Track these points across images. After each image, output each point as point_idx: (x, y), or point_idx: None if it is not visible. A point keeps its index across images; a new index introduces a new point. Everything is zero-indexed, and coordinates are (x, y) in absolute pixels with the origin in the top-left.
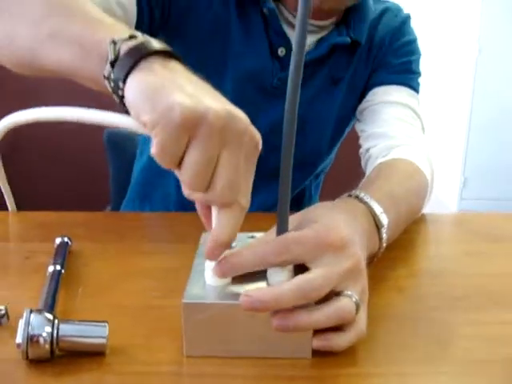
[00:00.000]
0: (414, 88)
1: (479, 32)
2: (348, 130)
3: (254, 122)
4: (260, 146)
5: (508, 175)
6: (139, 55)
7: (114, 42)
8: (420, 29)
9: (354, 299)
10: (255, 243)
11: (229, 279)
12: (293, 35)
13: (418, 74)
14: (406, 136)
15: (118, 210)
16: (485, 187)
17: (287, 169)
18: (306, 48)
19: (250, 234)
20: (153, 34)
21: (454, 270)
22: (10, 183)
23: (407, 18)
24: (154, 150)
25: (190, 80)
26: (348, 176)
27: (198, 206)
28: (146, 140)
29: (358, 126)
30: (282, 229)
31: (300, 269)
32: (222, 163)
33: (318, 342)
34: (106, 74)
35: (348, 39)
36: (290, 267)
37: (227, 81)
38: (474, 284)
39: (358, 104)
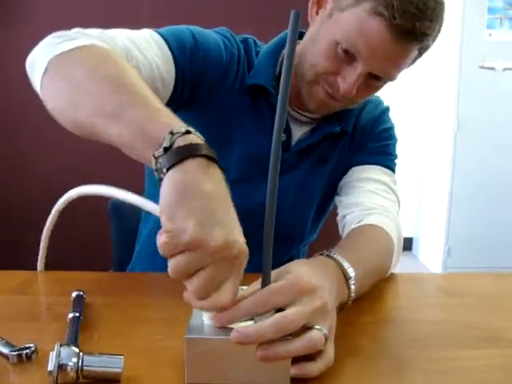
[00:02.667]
0: (390, 167)
1: (457, 110)
2: (331, 207)
3: (251, 196)
4: (246, 258)
5: (489, 244)
6: (188, 153)
7: (172, 133)
8: (403, 110)
9: (322, 332)
10: (244, 294)
11: None
12: (291, 125)
13: (395, 156)
14: (378, 205)
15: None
16: (468, 256)
17: (269, 235)
18: (302, 135)
19: (240, 287)
20: (178, 108)
21: (414, 318)
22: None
23: (386, 109)
24: (170, 270)
25: (216, 193)
26: (332, 243)
27: None
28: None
29: (337, 198)
30: (265, 283)
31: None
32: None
33: (295, 370)
34: (156, 155)
35: (338, 129)
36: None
37: (233, 158)
38: (429, 328)
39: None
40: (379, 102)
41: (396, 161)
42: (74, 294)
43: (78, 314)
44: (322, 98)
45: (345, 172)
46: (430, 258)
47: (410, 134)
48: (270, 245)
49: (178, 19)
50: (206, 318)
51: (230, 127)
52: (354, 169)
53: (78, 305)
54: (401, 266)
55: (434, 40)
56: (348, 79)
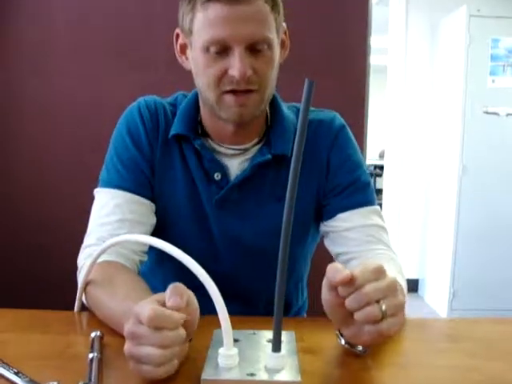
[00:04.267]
0: (369, 202)
1: (462, 154)
2: (311, 244)
3: (210, 231)
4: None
5: (495, 286)
6: None
7: None
8: (410, 153)
9: (382, 308)
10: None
11: (236, 362)
12: (224, 162)
13: (369, 184)
14: (378, 249)
15: None
16: (474, 298)
17: (282, 281)
18: (235, 171)
19: (252, 331)
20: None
21: (418, 363)
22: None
23: (341, 128)
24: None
25: None
26: None
27: None
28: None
29: (330, 246)
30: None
31: None
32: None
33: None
34: None
35: (269, 156)
36: (285, 353)
37: (181, 201)
38: (434, 373)
39: (316, 220)
40: (331, 120)
41: (371, 185)
42: (93, 335)
43: (97, 354)
44: (236, 100)
45: (317, 209)
46: (435, 300)
47: (417, 177)
48: (283, 282)
49: None
50: (221, 361)
51: (172, 185)
52: (337, 217)
53: (97, 345)
54: (407, 307)
55: None
56: (235, 64)
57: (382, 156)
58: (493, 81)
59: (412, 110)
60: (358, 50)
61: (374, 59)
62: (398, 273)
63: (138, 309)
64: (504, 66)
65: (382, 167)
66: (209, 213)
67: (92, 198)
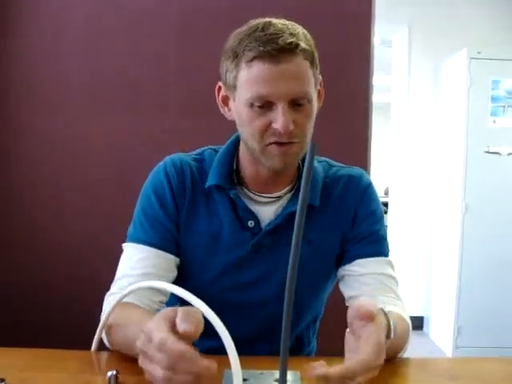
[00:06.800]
0: (385, 254)
1: (464, 192)
2: (329, 287)
3: (241, 276)
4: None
5: (500, 323)
6: None
7: None
8: (414, 192)
9: None
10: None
11: None
12: (257, 209)
13: (385, 238)
14: (389, 297)
15: None
16: (479, 335)
17: (288, 323)
18: (270, 217)
19: (259, 371)
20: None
21: None
22: None
23: (368, 185)
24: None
25: None
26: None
27: None
28: None
29: (344, 289)
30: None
31: None
32: None
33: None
34: None
35: None
36: None
37: (220, 252)
38: None
39: (336, 266)
40: (360, 177)
41: (387, 239)
42: (109, 374)
43: None
44: (278, 151)
45: (339, 257)
46: (440, 337)
47: (421, 214)
48: (288, 330)
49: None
50: None
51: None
52: (354, 262)
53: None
54: (411, 344)
55: (308, 42)
56: (279, 119)
57: (386, 193)
58: (494, 121)
59: (415, 148)
60: (360, 89)
61: (378, 97)
62: (399, 319)
63: (150, 329)
64: (504, 106)
65: (386, 204)
66: (241, 258)
67: (113, 250)
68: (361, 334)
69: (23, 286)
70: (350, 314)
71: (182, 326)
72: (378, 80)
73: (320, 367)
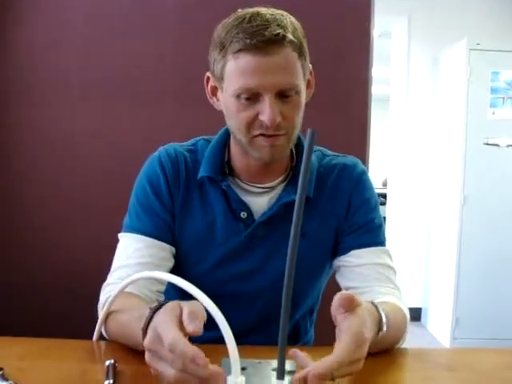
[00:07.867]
0: (381, 243)
1: (463, 184)
2: (325, 277)
3: (236, 267)
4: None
5: (498, 315)
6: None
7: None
8: (412, 184)
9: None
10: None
11: None
12: (250, 200)
13: (381, 227)
14: (386, 287)
15: None
16: (477, 327)
17: (286, 312)
18: (263, 208)
19: (257, 361)
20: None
21: None
22: None
23: (362, 173)
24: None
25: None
26: None
27: None
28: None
29: (340, 281)
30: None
31: None
32: None
33: None
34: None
35: (294, 197)
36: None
37: (215, 243)
38: None
39: (331, 256)
40: (354, 166)
41: (383, 228)
42: (108, 363)
43: (111, 381)
44: (266, 143)
45: (334, 247)
46: (438, 329)
47: (420, 205)
48: (286, 320)
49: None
50: None
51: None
52: (351, 253)
53: (112, 372)
54: (409, 336)
55: (296, 33)
56: (265, 110)
57: (385, 185)
58: (493, 113)
59: (414, 140)
60: (360, 81)
61: (377, 89)
62: (396, 309)
63: (160, 329)
64: (504, 98)
65: (385, 196)
66: (235, 250)
67: (111, 242)
68: (341, 328)
69: (23, 286)
70: (333, 306)
71: (190, 327)
72: (378, 72)
73: (299, 354)
